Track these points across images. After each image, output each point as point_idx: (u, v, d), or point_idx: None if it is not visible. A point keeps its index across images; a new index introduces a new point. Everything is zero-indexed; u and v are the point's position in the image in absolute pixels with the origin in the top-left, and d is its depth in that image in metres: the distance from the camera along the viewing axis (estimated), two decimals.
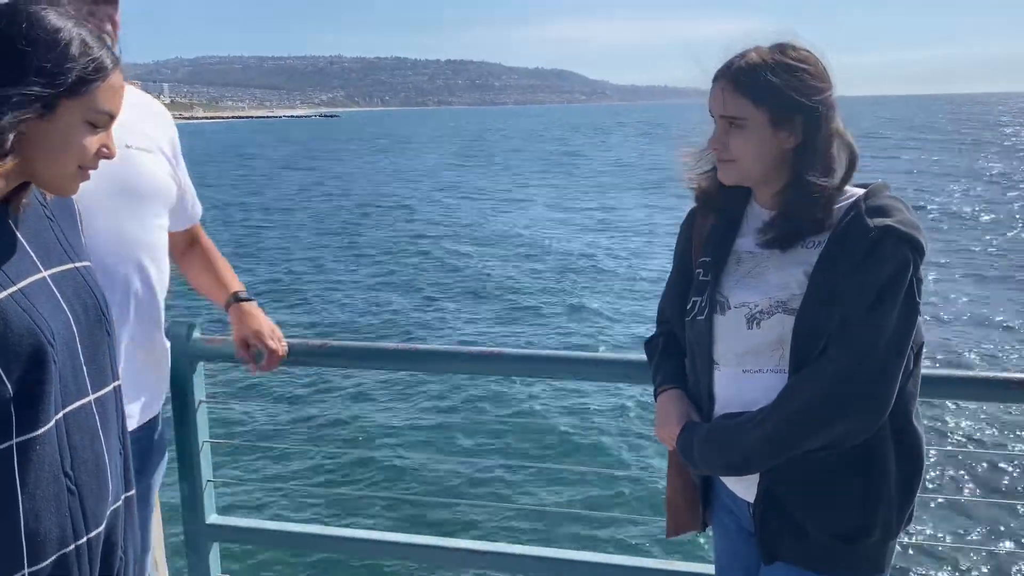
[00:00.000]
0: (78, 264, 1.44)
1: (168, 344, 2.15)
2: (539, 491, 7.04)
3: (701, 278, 1.79)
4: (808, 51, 1.65)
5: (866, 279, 1.54)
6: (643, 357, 2.03)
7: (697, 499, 1.90)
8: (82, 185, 1.79)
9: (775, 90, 1.61)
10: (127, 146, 1.92)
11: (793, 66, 1.62)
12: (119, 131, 1.86)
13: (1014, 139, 53.40)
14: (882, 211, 1.58)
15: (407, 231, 23.05)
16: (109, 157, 1.42)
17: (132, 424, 1.99)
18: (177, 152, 2.16)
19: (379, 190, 34.86)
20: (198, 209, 2.33)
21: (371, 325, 13.12)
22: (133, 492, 1.50)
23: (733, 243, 1.77)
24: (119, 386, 1.47)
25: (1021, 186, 29.68)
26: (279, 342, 2.28)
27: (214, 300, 2.35)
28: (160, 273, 2.02)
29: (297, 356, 2.40)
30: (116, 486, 1.42)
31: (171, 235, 2.18)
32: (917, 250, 1.55)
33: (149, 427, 2.06)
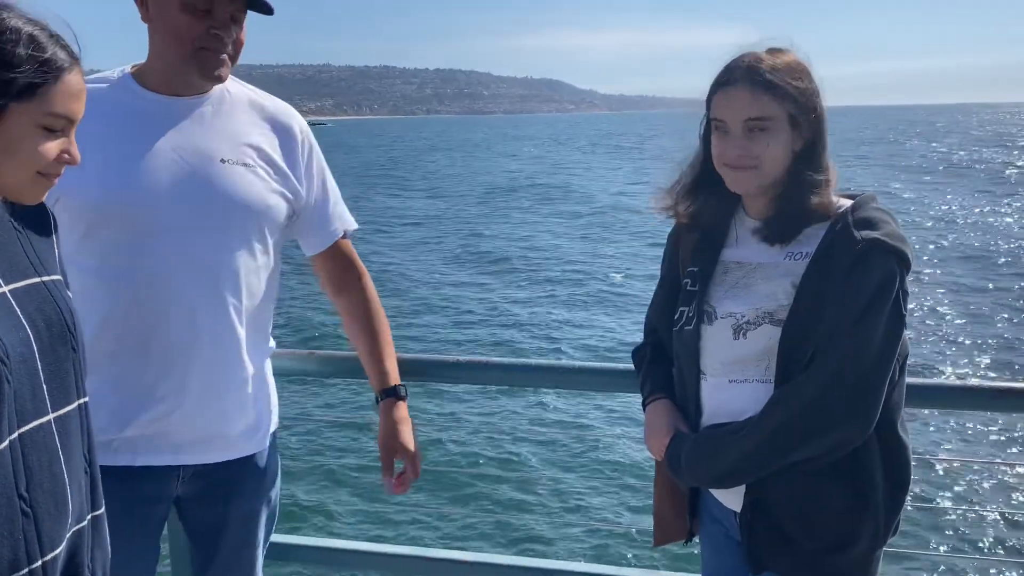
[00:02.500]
0: (46, 278, 1.38)
1: (270, 368, 2.05)
2: (525, 500, 7.02)
3: (688, 288, 1.79)
4: (801, 55, 1.68)
5: (853, 292, 1.54)
6: (630, 367, 2.03)
7: (684, 508, 1.90)
8: (172, 201, 1.78)
9: (795, 89, 1.62)
10: (221, 160, 1.84)
11: (800, 68, 1.65)
12: (216, 144, 1.86)
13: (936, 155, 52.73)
14: (869, 223, 1.58)
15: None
16: (72, 163, 1.35)
17: (236, 452, 1.94)
18: (301, 160, 1.98)
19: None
20: (336, 226, 2.07)
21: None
22: (102, 511, 1.45)
23: (720, 253, 1.77)
24: (85, 403, 1.41)
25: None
26: (415, 464, 2.09)
27: (368, 376, 2.13)
28: (247, 300, 1.88)
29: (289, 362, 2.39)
30: (79, 507, 1.37)
31: (314, 259, 2.07)
32: (903, 263, 1.56)
33: (251, 455, 1.99)
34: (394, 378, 2.09)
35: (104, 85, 1.83)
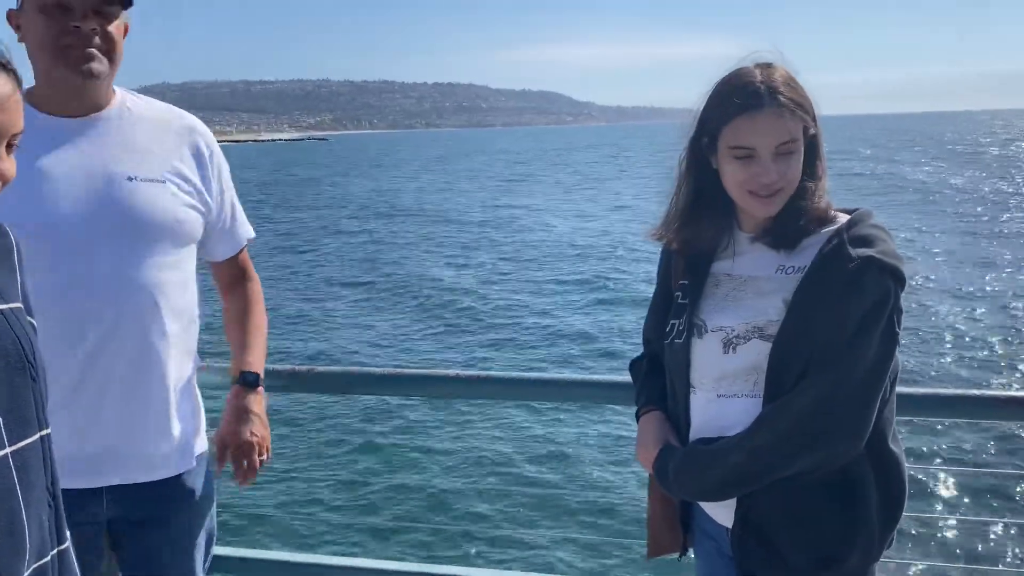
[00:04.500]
0: (3, 307, 1.33)
1: (196, 385, 2.04)
2: (521, 514, 7.01)
3: (680, 301, 1.79)
4: (789, 66, 1.67)
5: (847, 309, 1.53)
6: (628, 379, 2.03)
7: (678, 521, 1.89)
8: (80, 223, 1.74)
9: (807, 104, 1.63)
10: (128, 179, 1.82)
11: (797, 80, 1.65)
12: (122, 161, 1.82)
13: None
14: (865, 241, 1.58)
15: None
16: (6, 181, 1.31)
17: (162, 472, 1.91)
18: (209, 172, 1.97)
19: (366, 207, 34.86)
20: (241, 235, 2.12)
21: (350, 352, 13.04)
22: (67, 545, 1.41)
23: (712, 266, 1.77)
24: (47, 435, 1.36)
25: None
26: (260, 455, 2.02)
27: (231, 364, 2.12)
28: (165, 312, 1.87)
29: (283, 381, 2.37)
30: (40, 543, 1.32)
31: (213, 266, 2.07)
32: (898, 280, 1.56)
33: (183, 472, 1.97)
34: (253, 366, 2.06)
35: None
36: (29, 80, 1.58)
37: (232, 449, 1.99)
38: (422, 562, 2.66)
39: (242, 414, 2.01)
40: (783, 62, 1.66)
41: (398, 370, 2.49)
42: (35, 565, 1.31)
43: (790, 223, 1.65)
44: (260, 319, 2.16)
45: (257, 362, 2.08)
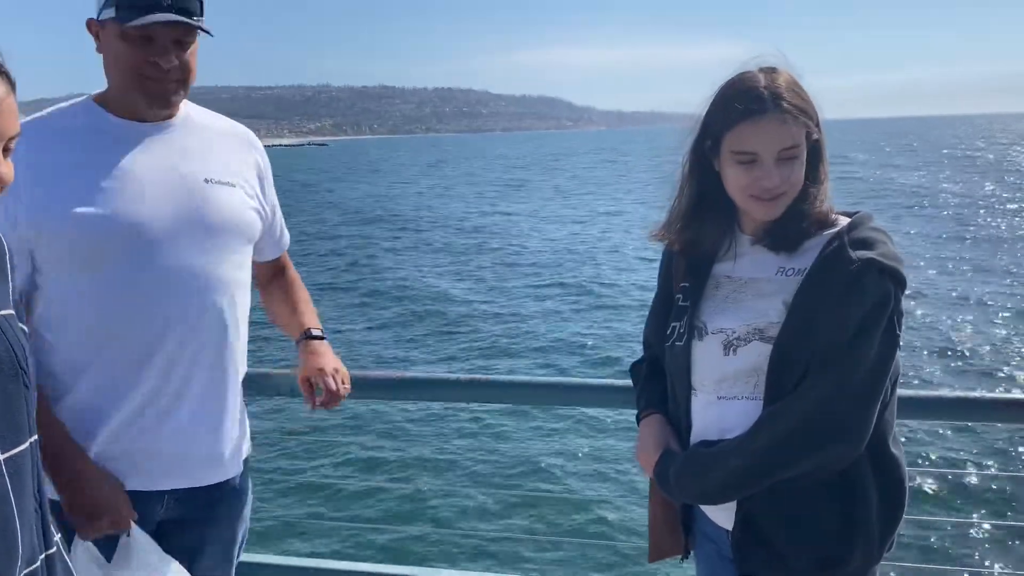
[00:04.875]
0: None
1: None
2: (524, 517, 7.00)
3: (680, 303, 1.79)
4: (793, 70, 1.67)
5: (847, 311, 1.54)
6: (629, 383, 2.03)
7: (679, 525, 1.89)
8: (166, 221, 1.80)
9: (811, 109, 1.63)
10: (205, 180, 1.88)
11: (800, 84, 1.64)
12: (196, 164, 1.89)
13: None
14: (865, 243, 1.58)
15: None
16: (4, 185, 1.32)
17: (221, 475, 1.95)
18: (264, 180, 2.07)
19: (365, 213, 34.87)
20: (286, 238, 2.25)
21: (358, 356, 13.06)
22: (55, 550, 1.41)
23: (712, 268, 1.78)
24: (36, 441, 1.37)
25: None
26: (342, 383, 2.13)
27: (288, 333, 2.22)
28: (238, 311, 1.94)
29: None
30: (30, 548, 1.32)
31: (256, 265, 2.11)
32: (899, 283, 1.57)
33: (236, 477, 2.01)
34: (310, 322, 2.18)
35: (70, 114, 1.84)
36: (85, 83, 1.60)
37: (317, 377, 2.09)
38: (412, 565, 2.67)
39: (318, 356, 2.13)
40: (787, 65, 1.67)
41: (398, 373, 2.49)
42: (26, 571, 1.32)
43: (791, 226, 1.66)
44: (306, 294, 2.28)
45: (315, 323, 2.20)
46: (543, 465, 8.14)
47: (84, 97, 1.89)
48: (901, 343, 1.62)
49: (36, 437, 1.37)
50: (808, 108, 1.62)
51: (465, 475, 8.06)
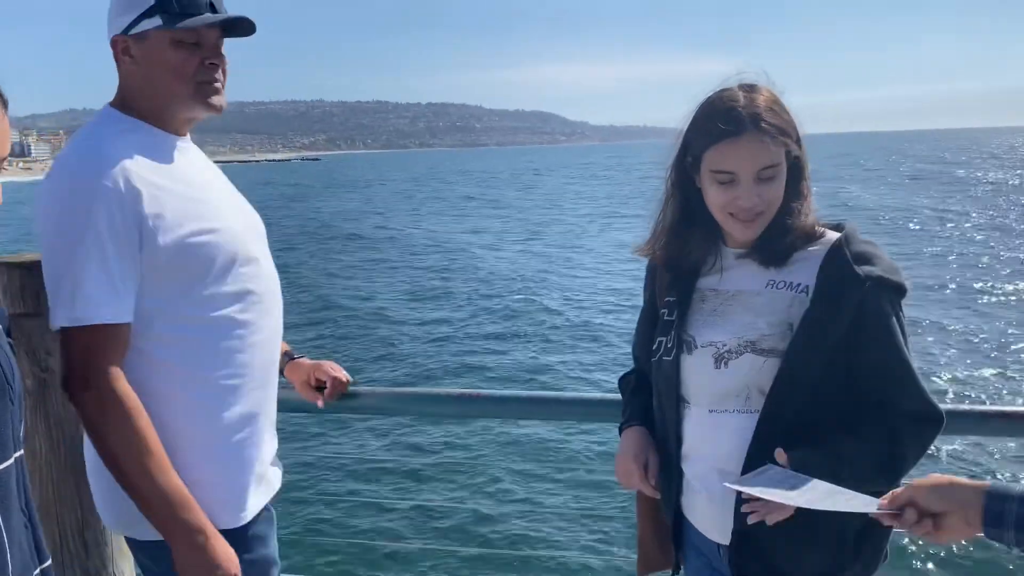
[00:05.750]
0: None
1: None
2: (510, 531, 6.97)
3: (666, 318, 1.78)
4: (774, 86, 1.67)
5: (876, 331, 1.58)
6: (616, 396, 2.03)
7: (668, 539, 1.87)
8: (246, 230, 1.82)
9: (790, 128, 1.63)
10: (237, 190, 1.93)
11: (781, 101, 1.65)
12: (223, 176, 1.91)
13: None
14: (867, 258, 1.60)
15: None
16: None
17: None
18: None
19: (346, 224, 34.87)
20: None
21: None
22: (48, 563, 1.40)
23: (696, 281, 1.78)
24: (21, 456, 1.36)
25: None
26: (338, 371, 2.19)
27: None
28: None
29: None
30: (22, 564, 1.32)
31: None
32: (902, 295, 1.61)
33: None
34: (287, 347, 2.21)
35: (139, 132, 1.77)
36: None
37: (319, 372, 2.16)
38: None
39: (306, 362, 2.19)
40: (768, 83, 1.67)
41: (387, 389, 2.48)
42: None
43: (777, 240, 1.66)
44: None
45: (286, 346, 2.21)
46: (528, 479, 8.11)
47: (113, 112, 1.80)
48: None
49: (21, 452, 1.36)
50: (787, 126, 1.62)
51: (451, 489, 8.03)
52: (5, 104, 1.31)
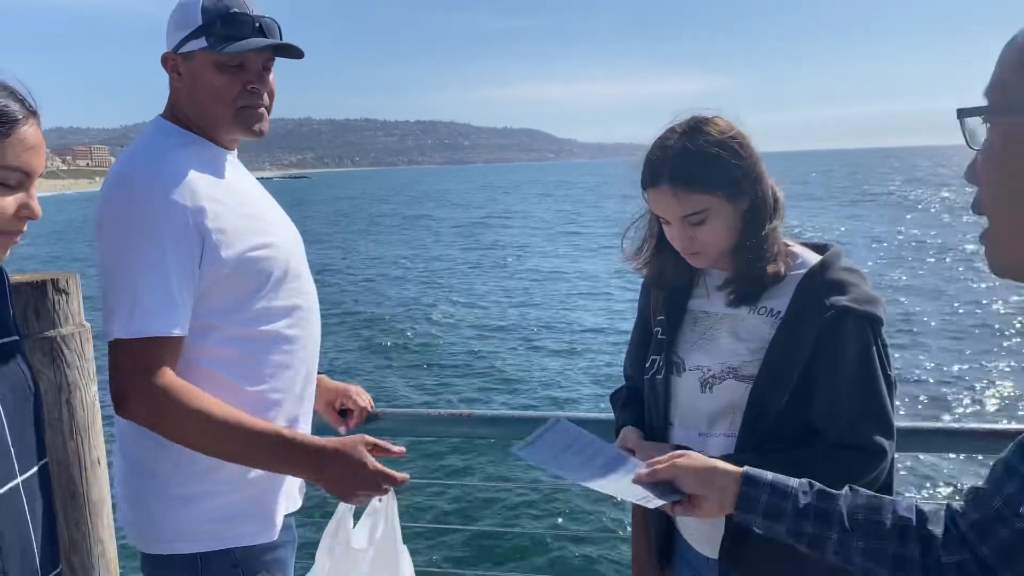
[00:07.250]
0: (5, 340, 1.33)
1: None
2: (503, 551, 6.94)
3: (659, 336, 1.81)
4: (721, 118, 1.66)
5: (826, 360, 1.56)
6: (610, 416, 2.02)
7: (661, 555, 1.87)
8: (294, 244, 1.83)
9: (721, 169, 1.61)
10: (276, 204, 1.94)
11: (730, 140, 1.62)
12: (262, 189, 1.91)
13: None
14: (838, 287, 1.60)
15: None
16: (33, 218, 1.29)
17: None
18: None
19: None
20: None
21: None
22: (60, 568, 1.41)
23: (688, 302, 1.80)
24: (47, 463, 1.38)
25: None
26: (364, 398, 2.18)
27: None
28: None
29: None
30: (47, 569, 1.34)
31: None
32: (875, 323, 1.59)
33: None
34: None
35: (194, 145, 1.78)
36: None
37: (343, 398, 2.14)
38: None
39: (328, 383, 2.14)
40: (733, 118, 1.66)
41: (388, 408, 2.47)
42: None
43: (743, 283, 1.68)
44: None
45: None
46: (525, 499, 8.09)
47: (166, 123, 1.81)
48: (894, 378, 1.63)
49: (46, 459, 1.37)
50: (713, 176, 1.60)
51: (442, 510, 7.99)
52: (35, 113, 1.29)
